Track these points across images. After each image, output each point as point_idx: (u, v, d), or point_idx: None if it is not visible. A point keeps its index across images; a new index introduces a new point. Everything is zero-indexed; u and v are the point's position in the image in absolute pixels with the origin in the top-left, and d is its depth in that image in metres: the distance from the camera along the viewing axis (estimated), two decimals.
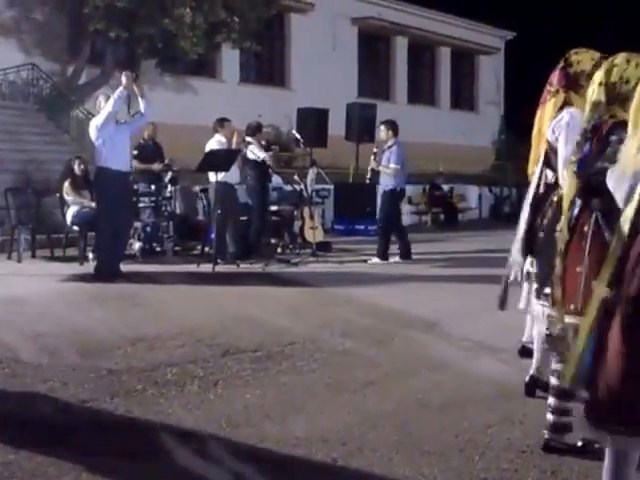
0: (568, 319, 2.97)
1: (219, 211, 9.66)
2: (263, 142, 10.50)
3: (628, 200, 2.41)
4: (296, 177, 11.93)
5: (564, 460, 3.31)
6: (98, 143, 8.33)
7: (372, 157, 10.42)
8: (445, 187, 18.39)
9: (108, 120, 8.29)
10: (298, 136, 11.59)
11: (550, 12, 27.84)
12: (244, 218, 10.39)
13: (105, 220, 8.48)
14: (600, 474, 2.58)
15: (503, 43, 28.33)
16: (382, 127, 10.55)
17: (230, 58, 19.29)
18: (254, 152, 10.16)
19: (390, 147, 10.28)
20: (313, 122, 12.57)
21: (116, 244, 8.60)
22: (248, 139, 10.28)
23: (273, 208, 11.04)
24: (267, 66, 22.19)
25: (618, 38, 25.70)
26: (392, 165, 10.15)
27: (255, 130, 10.45)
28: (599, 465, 2.66)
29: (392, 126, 10.35)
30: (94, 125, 8.47)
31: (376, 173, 10.47)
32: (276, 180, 11.88)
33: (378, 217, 10.95)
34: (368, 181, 11.62)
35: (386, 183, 10.33)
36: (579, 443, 3.36)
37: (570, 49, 3.73)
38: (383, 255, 10.17)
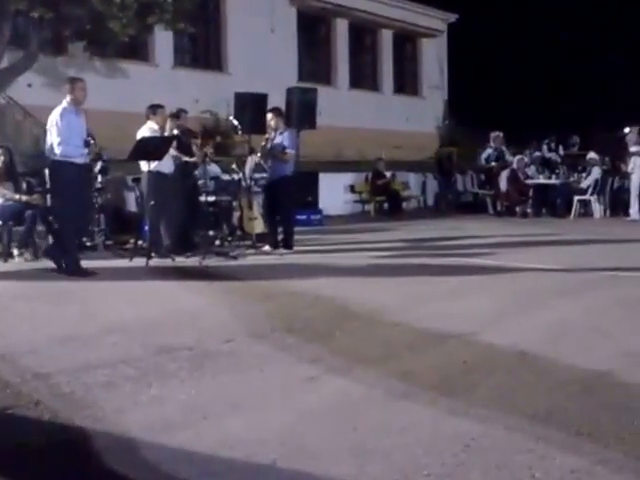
0: None
1: (152, 202, 9.23)
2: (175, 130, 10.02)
3: None
4: (234, 166, 11.48)
5: None
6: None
7: (263, 144, 10.24)
8: (388, 174, 18.07)
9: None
10: (235, 122, 11.09)
11: None
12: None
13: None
14: None
15: (446, 26, 28.02)
16: (269, 115, 10.43)
17: (163, 40, 18.50)
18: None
19: (282, 133, 10.21)
20: (251, 107, 12.01)
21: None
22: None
23: (210, 199, 10.55)
24: (203, 49, 21.40)
25: (563, 21, 25.69)
26: (288, 150, 10.10)
27: (173, 117, 10.11)
28: None
29: (280, 112, 10.52)
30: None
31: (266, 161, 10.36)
32: (214, 169, 11.42)
33: (266, 204, 10.66)
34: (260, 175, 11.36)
35: (281, 169, 10.17)
36: None
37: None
38: (275, 243, 10.23)
